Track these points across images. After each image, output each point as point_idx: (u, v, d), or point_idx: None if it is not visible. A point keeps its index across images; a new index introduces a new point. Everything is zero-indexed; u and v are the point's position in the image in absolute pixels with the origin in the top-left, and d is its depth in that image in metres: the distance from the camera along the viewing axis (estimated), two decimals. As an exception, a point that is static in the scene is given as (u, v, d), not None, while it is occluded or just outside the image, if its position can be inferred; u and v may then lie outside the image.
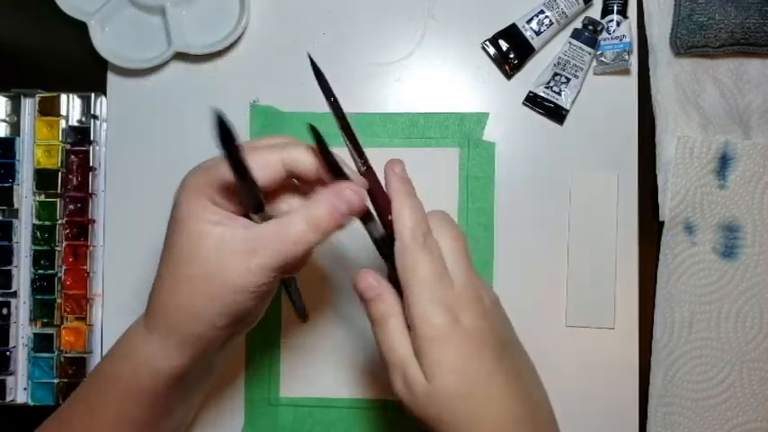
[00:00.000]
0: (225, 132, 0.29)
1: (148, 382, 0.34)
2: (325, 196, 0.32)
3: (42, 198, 0.47)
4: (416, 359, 0.32)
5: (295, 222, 0.32)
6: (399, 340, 0.32)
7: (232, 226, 0.32)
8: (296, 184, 0.36)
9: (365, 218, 0.34)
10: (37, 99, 0.47)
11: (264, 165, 0.32)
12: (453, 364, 0.31)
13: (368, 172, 0.33)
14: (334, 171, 0.32)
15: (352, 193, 0.32)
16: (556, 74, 0.47)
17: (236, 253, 0.31)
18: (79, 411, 0.36)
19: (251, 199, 0.32)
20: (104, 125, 0.49)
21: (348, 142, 0.33)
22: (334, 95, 0.33)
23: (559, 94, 0.47)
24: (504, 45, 0.48)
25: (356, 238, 0.48)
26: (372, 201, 0.34)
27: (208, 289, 0.32)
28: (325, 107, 0.49)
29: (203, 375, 0.38)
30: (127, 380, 0.35)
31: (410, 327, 0.32)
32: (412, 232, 0.32)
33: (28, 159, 0.48)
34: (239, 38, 0.48)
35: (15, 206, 0.47)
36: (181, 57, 0.48)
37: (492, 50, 0.48)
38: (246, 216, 0.33)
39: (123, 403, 0.35)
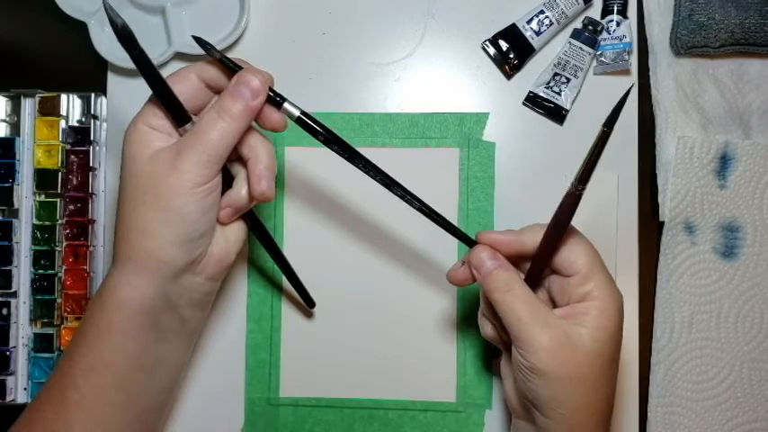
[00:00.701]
0: (133, 46, 0.33)
1: (114, 314, 0.36)
2: (229, 85, 0.36)
3: (42, 198, 0.47)
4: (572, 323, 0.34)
5: (207, 116, 0.35)
6: (534, 300, 0.35)
7: (165, 141, 0.35)
8: None
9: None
10: (37, 99, 0.47)
11: (181, 78, 0.36)
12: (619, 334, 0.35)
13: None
14: (234, 71, 0.36)
15: (251, 74, 0.35)
16: (556, 74, 0.47)
17: (166, 160, 0.34)
18: (62, 363, 0.37)
19: (175, 112, 0.35)
20: (104, 125, 0.49)
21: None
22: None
23: (559, 94, 0.47)
24: (504, 45, 0.48)
25: (358, 244, 0.48)
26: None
27: (147, 199, 0.34)
28: (325, 108, 0.49)
29: (173, 326, 0.38)
30: (97, 318, 0.36)
31: (559, 302, 0.36)
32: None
33: (28, 159, 0.48)
34: (239, 38, 0.48)
35: (15, 206, 0.47)
36: (181, 57, 0.48)
37: (492, 51, 0.48)
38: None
39: (95, 343, 0.36)
